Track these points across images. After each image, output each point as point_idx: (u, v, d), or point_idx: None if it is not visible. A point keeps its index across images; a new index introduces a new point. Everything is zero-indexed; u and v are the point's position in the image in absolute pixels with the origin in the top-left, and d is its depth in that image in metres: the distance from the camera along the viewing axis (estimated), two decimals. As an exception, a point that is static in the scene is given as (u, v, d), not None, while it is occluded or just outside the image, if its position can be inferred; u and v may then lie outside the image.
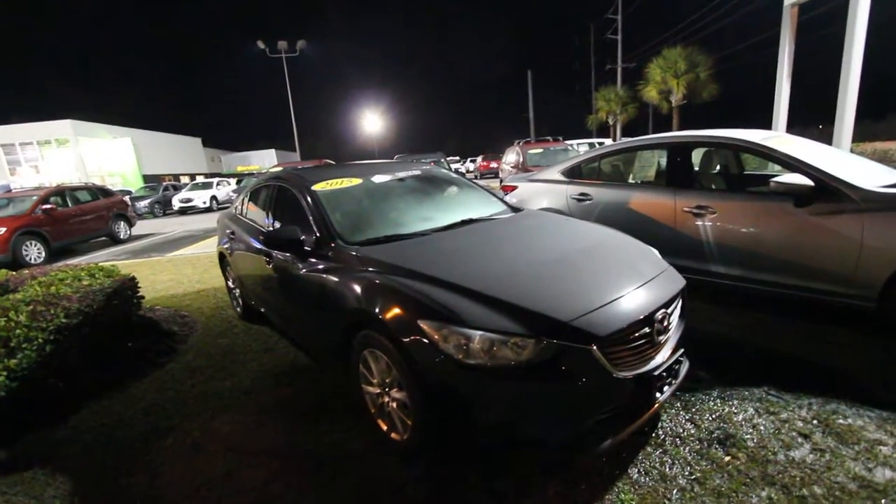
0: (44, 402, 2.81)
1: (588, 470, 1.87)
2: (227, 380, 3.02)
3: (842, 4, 7.14)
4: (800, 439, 1.96)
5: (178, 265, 7.35)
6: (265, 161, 43.06)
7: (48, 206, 9.56)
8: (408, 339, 1.79)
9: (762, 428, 2.05)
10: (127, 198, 14.52)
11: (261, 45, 23.86)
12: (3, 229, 8.52)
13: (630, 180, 4.01)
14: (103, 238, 11.17)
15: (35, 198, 9.64)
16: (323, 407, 2.56)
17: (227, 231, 4.07)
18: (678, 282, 2.14)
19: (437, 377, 1.73)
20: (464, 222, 2.75)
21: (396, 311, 1.86)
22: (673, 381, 1.95)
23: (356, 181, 3.05)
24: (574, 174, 4.34)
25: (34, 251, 8.99)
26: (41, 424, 2.64)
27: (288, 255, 2.71)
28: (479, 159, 27.06)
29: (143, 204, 19.38)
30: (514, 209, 3.19)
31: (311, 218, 2.68)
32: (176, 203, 19.23)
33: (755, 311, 3.31)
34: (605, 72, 26.90)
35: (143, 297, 4.01)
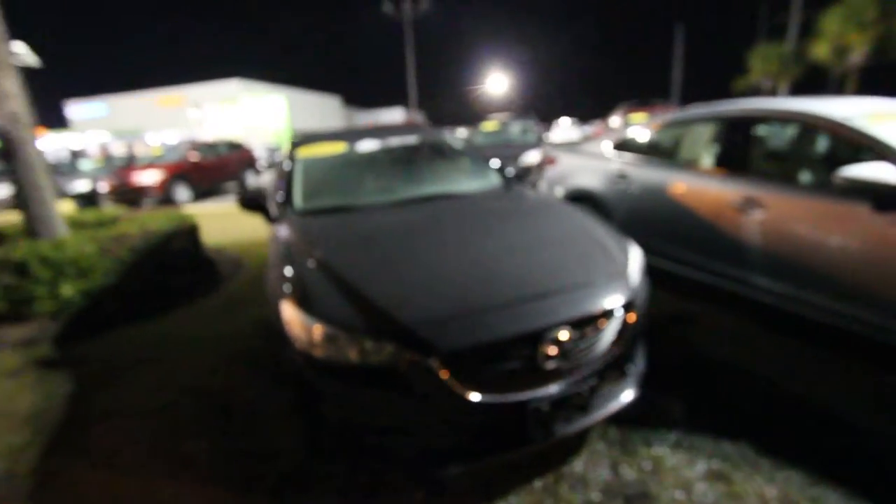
0: (98, 318, 3.48)
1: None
2: (228, 325, 3.36)
3: None
4: (735, 524, 1.48)
5: (271, 214, 8.28)
6: (393, 118, 45.31)
7: (195, 157, 11.47)
8: (277, 320, 1.76)
9: (696, 496, 1.60)
10: (262, 152, 16.66)
11: (387, 8, 24.41)
12: (163, 174, 10.49)
13: (679, 159, 3.25)
14: (234, 183, 13.08)
15: (186, 149, 11.63)
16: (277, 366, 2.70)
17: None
18: (612, 299, 1.70)
19: (291, 363, 1.68)
20: (426, 198, 2.55)
21: (274, 288, 1.84)
22: (576, 419, 1.61)
23: (340, 147, 3.01)
24: (622, 148, 3.69)
25: (182, 193, 10.93)
26: (86, 335, 3.28)
27: None
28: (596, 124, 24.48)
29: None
30: (509, 186, 2.86)
31: (283, 182, 2.75)
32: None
33: (798, 340, 2.53)
34: (770, 26, 21.65)
35: (199, 242, 4.63)
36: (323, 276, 1.75)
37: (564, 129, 17.89)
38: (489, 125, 9.66)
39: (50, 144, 18.48)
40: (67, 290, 3.46)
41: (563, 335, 1.55)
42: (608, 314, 1.67)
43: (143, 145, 21.89)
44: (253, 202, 2.68)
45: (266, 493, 1.73)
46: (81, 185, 10.61)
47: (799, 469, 1.67)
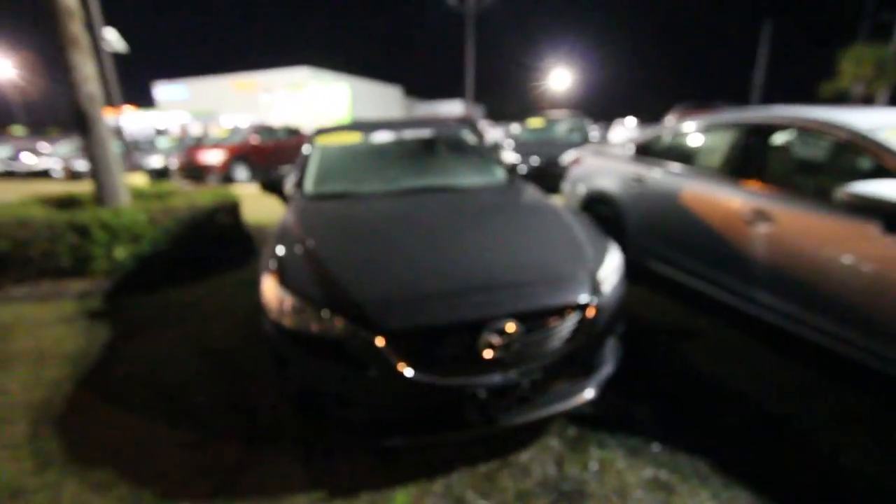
0: (143, 280, 3.92)
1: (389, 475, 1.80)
2: (251, 296, 3.64)
3: None
4: (662, 532, 1.48)
5: (316, 198, 8.72)
6: (452, 111, 45.51)
7: (255, 140, 12.26)
8: (260, 290, 1.95)
9: (632, 501, 1.60)
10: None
11: (450, 1, 24.29)
12: (225, 155, 11.32)
13: (693, 165, 3.10)
14: (290, 166, 13.84)
15: (248, 133, 12.45)
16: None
17: None
18: (568, 297, 1.72)
19: (267, 332, 1.86)
20: (424, 189, 2.66)
21: (263, 263, 2.03)
22: (519, 410, 1.66)
23: (356, 137, 3.18)
24: (643, 151, 3.58)
25: (242, 173, 11.73)
26: (131, 293, 3.71)
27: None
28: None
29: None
30: (512, 182, 2.90)
31: (299, 167, 2.97)
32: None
33: (800, 364, 2.38)
34: (874, 24, 19.10)
35: (240, 219, 5.03)
36: (304, 256, 1.91)
37: (628, 129, 17.06)
38: (534, 122, 9.55)
39: (138, 123, 20.41)
40: (120, 252, 3.92)
41: (509, 327, 1.61)
42: (561, 311, 1.70)
43: (217, 127, 23.58)
44: (271, 185, 2.92)
45: (240, 443, 1.94)
46: (155, 161, 11.72)
47: (749, 491, 1.62)
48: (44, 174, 14.36)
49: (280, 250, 2.02)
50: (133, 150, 12.82)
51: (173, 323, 3.16)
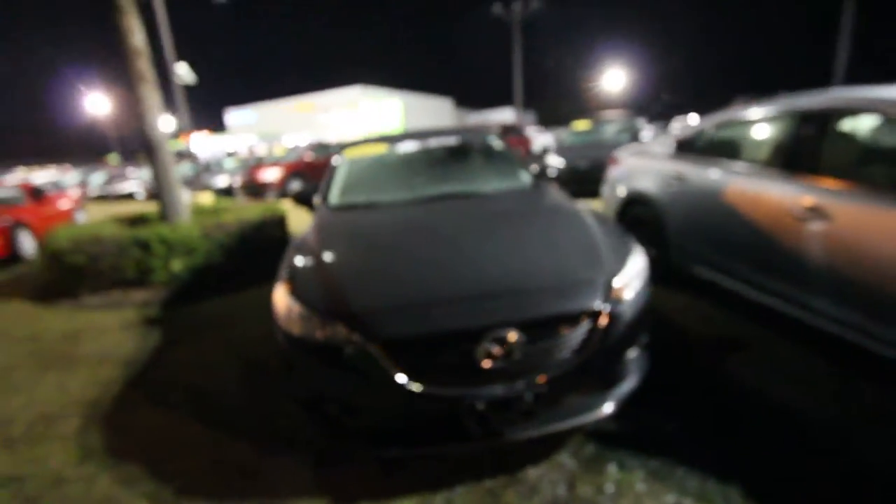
0: (196, 289, 4.22)
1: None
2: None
3: None
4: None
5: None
6: (503, 118, 45.31)
7: (309, 157, 12.93)
8: (273, 298, 2.02)
9: (650, 529, 1.45)
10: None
11: (496, 10, 24.36)
12: (282, 172, 12.04)
13: (738, 160, 2.81)
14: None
15: (303, 151, 13.17)
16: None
17: None
18: (575, 305, 1.61)
19: (280, 338, 1.91)
20: (444, 196, 2.65)
21: (279, 272, 2.10)
22: (525, 424, 1.58)
23: (382, 149, 3.23)
24: (684, 148, 3.33)
25: (297, 188, 12.40)
26: (185, 302, 4.00)
27: None
28: None
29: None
30: (537, 186, 2.81)
31: (327, 179, 3.07)
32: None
33: (868, 381, 2.05)
34: None
35: (286, 230, 5.29)
36: (316, 266, 1.95)
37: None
38: (580, 125, 9.28)
39: (212, 146, 22.25)
40: (176, 264, 4.25)
41: (510, 336, 1.53)
42: (570, 319, 1.60)
43: (279, 147, 25.13)
44: (302, 197, 3.04)
45: (257, 445, 2.00)
46: (221, 181, 12.69)
47: (790, 525, 1.42)
48: (129, 196, 16.03)
49: (296, 260, 2.08)
50: (203, 171, 13.98)
51: (216, 330, 3.36)
